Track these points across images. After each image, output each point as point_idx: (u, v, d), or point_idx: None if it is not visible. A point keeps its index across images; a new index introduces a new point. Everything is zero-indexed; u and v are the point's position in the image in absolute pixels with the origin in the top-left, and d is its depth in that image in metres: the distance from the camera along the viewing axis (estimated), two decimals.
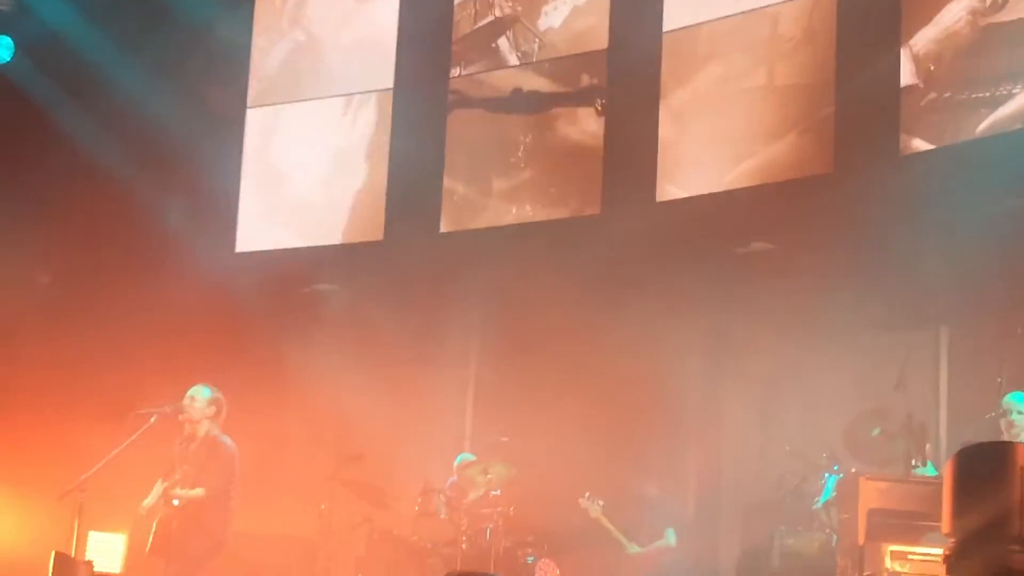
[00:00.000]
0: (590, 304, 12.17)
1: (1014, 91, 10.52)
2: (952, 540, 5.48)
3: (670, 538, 11.53)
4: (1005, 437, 8.99)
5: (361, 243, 14.06)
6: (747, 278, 12.27)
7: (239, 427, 10.52)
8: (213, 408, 10.28)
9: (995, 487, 5.38)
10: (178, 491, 10.05)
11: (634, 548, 11.68)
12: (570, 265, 12.33)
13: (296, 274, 14.23)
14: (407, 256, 13.50)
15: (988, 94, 10.69)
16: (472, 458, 12.22)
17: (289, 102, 14.78)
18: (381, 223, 13.94)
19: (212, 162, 14.57)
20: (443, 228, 13.71)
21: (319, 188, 14.49)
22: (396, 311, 13.20)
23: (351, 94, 14.41)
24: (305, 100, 14.70)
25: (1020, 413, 9.37)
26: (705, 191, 12.26)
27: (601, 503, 11.63)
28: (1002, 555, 5.33)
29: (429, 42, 14.10)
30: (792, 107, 11.86)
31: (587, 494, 11.65)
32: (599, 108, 12.98)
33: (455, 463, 12.20)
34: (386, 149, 14.05)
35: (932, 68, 10.99)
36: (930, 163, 10.89)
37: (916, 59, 11.08)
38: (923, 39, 11.07)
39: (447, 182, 13.74)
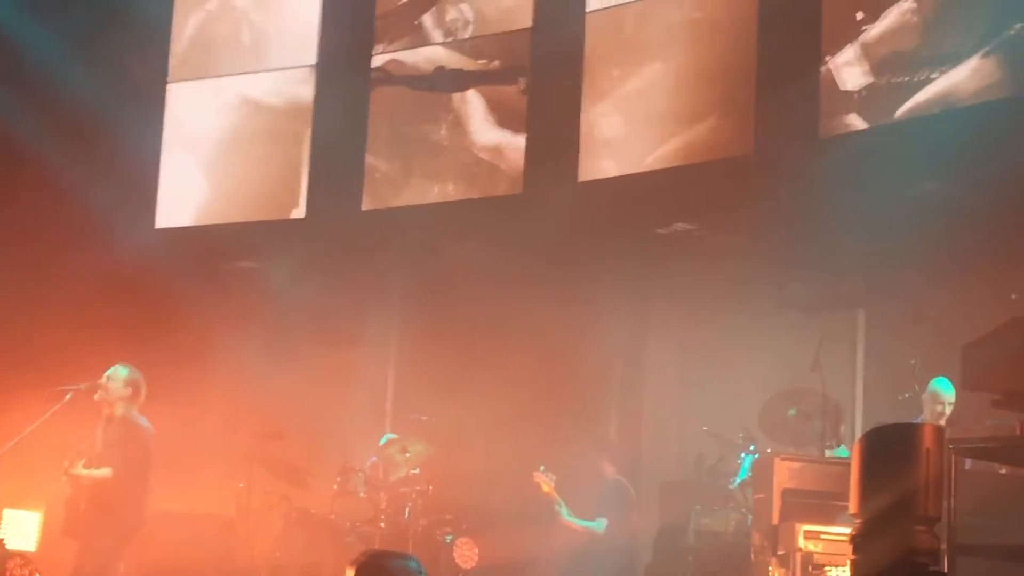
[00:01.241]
0: (512, 283, 12.17)
1: (932, 76, 10.61)
2: (859, 521, 5.53)
3: (600, 525, 11.52)
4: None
5: (282, 220, 13.98)
6: (668, 258, 12.34)
7: (159, 406, 10.44)
8: (130, 389, 10.18)
9: (901, 468, 5.43)
10: (80, 471, 9.95)
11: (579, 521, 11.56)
12: (492, 244, 12.35)
13: (217, 251, 14.15)
14: (328, 234, 13.45)
15: (907, 78, 10.77)
16: (393, 437, 12.21)
17: (211, 77, 14.66)
18: (303, 201, 13.88)
19: (132, 137, 14.42)
20: (365, 206, 13.66)
21: (240, 165, 14.40)
22: (318, 289, 13.15)
23: (275, 70, 14.31)
24: (227, 75, 14.58)
25: (951, 404, 9.46)
26: (627, 172, 12.30)
27: (554, 477, 11.50)
28: (908, 535, 5.39)
29: (353, 18, 14.02)
30: (714, 89, 11.90)
31: (542, 467, 11.52)
32: (522, 87, 12.97)
33: (380, 443, 12.19)
34: (309, 126, 13.97)
35: (852, 52, 11.06)
36: (849, 146, 10.95)
37: (836, 43, 11.15)
38: (843, 24, 11.13)
39: (369, 159, 13.69)
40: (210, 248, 14.08)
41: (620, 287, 12.25)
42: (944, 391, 9.50)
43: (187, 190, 14.57)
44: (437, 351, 13.38)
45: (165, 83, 14.82)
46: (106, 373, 10.19)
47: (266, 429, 12.08)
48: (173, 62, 14.86)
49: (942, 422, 9.21)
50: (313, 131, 13.94)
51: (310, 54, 14.10)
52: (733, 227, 11.64)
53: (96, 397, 10.13)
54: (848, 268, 11.20)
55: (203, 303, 13.40)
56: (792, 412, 10.55)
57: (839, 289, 11.66)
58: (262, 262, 14.01)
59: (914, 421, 9.00)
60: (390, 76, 13.78)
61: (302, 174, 13.94)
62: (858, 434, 10.88)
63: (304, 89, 14.08)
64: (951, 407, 9.48)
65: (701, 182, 11.87)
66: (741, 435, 10.63)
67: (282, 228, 13.89)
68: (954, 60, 10.50)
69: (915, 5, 10.79)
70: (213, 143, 14.56)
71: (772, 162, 11.28)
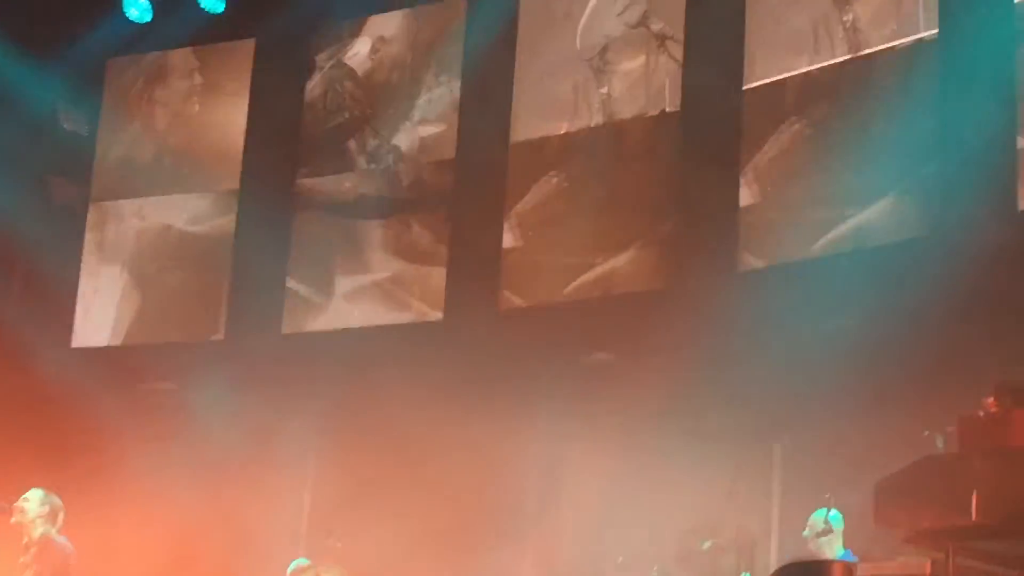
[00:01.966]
0: (432, 409, 12.16)
1: (847, 213, 10.85)
2: None
3: None
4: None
5: (201, 342, 13.93)
6: (588, 388, 12.38)
7: (74, 529, 10.29)
8: (47, 508, 10.01)
9: None
10: None
11: None
12: (412, 370, 12.36)
13: (135, 372, 14.03)
14: (247, 356, 13.41)
15: (823, 215, 11.00)
16: (306, 563, 12.08)
17: (133, 198, 14.66)
18: (222, 322, 13.85)
19: (51, 255, 14.34)
20: (285, 329, 13.66)
21: (160, 286, 14.35)
22: (236, 411, 13.07)
23: (197, 192, 14.34)
24: (149, 196, 14.58)
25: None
26: (547, 301, 12.41)
27: None
28: None
29: (277, 141, 14.12)
30: (633, 221, 12.08)
31: None
32: (444, 216, 13.10)
33: (288, 571, 12.06)
34: (230, 248, 13.98)
35: (769, 188, 11.30)
36: (766, 280, 11.15)
37: (755, 179, 11.38)
38: (762, 160, 11.38)
39: (291, 283, 13.71)
40: (128, 369, 13.97)
41: (540, 416, 12.28)
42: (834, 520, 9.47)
43: (106, 310, 14.48)
44: (355, 475, 13.29)
45: (87, 202, 14.79)
46: (22, 496, 10.05)
47: (178, 554, 11.91)
48: (96, 182, 14.84)
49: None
50: (235, 253, 13.94)
51: (234, 176, 14.15)
52: (651, 359, 11.71)
53: (13, 520, 9.98)
54: (765, 401, 11.29)
55: (121, 424, 13.27)
56: (707, 545, 10.56)
57: (755, 421, 11.74)
58: (181, 384, 13.91)
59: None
60: (313, 200, 13.86)
61: (222, 296, 13.93)
62: (772, 567, 10.92)
63: (226, 212, 14.10)
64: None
65: (622, 312, 12.00)
66: (655, 568, 10.61)
67: (200, 350, 13.84)
68: (868, 200, 10.75)
69: (831, 146, 11.06)
70: (133, 264, 14.51)
71: (691, 295, 11.44)
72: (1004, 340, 9.62)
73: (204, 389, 13.35)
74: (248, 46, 14.33)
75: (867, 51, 11.04)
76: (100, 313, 14.50)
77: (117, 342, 14.34)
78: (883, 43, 10.99)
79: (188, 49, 14.72)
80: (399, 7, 13.76)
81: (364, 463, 13.23)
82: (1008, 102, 9.97)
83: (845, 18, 11.20)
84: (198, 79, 14.61)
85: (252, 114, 14.18)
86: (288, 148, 14.02)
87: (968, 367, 9.47)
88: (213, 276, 14.05)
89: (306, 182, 13.90)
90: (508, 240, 12.68)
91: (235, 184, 14.13)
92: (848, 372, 10.20)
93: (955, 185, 10.16)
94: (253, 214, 13.93)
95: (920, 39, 10.73)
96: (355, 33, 13.98)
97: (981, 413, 7.00)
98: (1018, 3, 10.05)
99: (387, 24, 13.84)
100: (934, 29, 10.61)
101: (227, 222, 14.07)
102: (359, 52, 13.92)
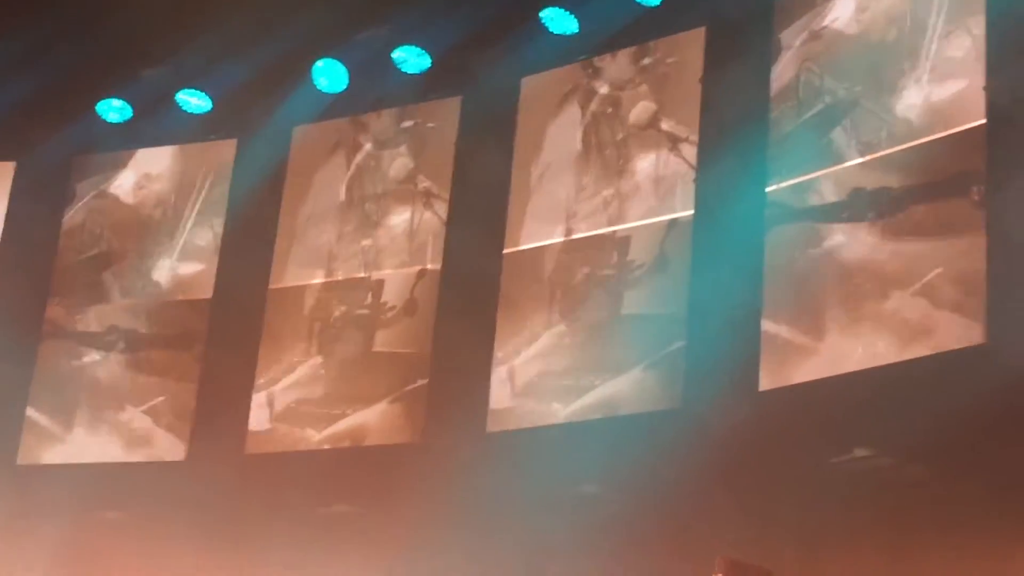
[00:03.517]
0: (172, 551, 11.94)
1: (596, 383, 11.10)
2: None
3: None
4: None
5: None
6: (328, 539, 12.29)
7: None
8: None
9: None
10: None
11: None
12: (153, 509, 12.15)
13: None
14: None
15: (572, 383, 11.23)
16: None
17: None
18: None
19: None
20: (20, 460, 13.26)
21: None
22: None
23: None
24: None
25: None
26: (292, 448, 12.35)
27: None
28: None
29: (28, 268, 13.82)
30: (387, 375, 12.15)
31: None
32: (197, 354, 12.97)
33: None
34: None
35: (520, 355, 11.51)
36: (513, 443, 11.28)
37: (507, 346, 11.59)
38: (515, 329, 11.60)
39: (30, 412, 13.35)
40: None
41: (280, 563, 12.13)
42: None
43: None
44: None
45: None
46: None
47: None
48: None
49: None
50: None
51: None
52: (396, 512, 11.71)
53: None
54: (503, 564, 11.34)
55: None
56: None
57: None
58: None
59: None
60: (61, 330, 13.58)
61: None
62: None
63: None
64: None
65: (367, 465, 12.00)
66: None
67: None
68: (617, 371, 11.03)
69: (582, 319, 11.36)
70: None
71: (439, 451, 11.51)
72: (739, 517, 9.91)
73: None
74: (7, 169, 14.07)
75: (624, 226, 11.38)
76: None
77: None
78: (639, 220, 11.34)
79: None
80: (168, 143, 13.71)
81: None
82: (756, 284, 10.36)
83: (605, 193, 11.56)
84: None
85: (5, 238, 13.88)
86: (40, 275, 13.75)
87: (703, 542, 9.72)
88: None
89: (56, 311, 13.63)
90: (258, 387, 12.60)
91: None
92: (591, 538, 10.36)
93: (702, 362, 10.48)
94: None
95: (675, 219, 11.12)
96: (121, 165, 13.85)
97: None
98: (769, 191, 10.51)
99: (154, 159, 13.76)
100: (690, 210, 11.01)
101: None
102: (123, 184, 13.80)
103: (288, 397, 12.50)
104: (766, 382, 10.10)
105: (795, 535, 9.88)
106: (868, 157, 9.98)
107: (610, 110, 11.77)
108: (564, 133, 12.00)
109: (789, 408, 9.94)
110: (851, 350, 9.73)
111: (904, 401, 9.31)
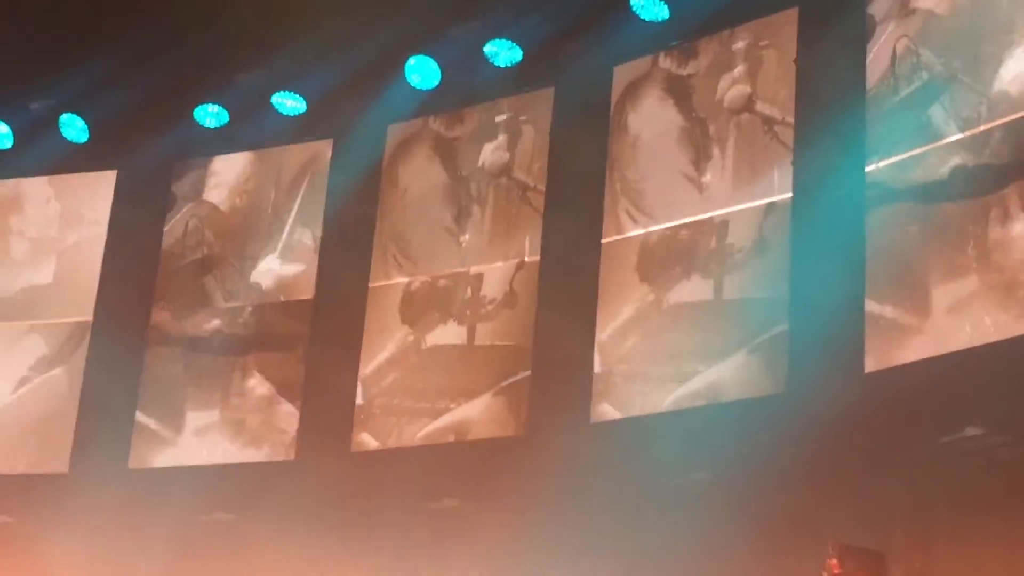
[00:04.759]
0: (282, 550, 12.04)
1: (699, 369, 11.05)
2: None
3: None
4: None
5: (43, 475, 13.63)
6: (436, 534, 12.34)
7: None
8: None
9: None
10: None
11: None
12: (262, 509, 12.26)
13: None
14: (92, 491, 13.14)
15: (674, 370, 11.18)
16: None
17: None
18: (67, 456, 13.58)
19: None
20: (131, 464, 13.44)
21: (5, 416, 14.05)
22: (77, 547, 12.78)
23: (47, 322, 14.14)
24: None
25: None
26: (397, 445, 12.42)
27: None
28: None
29: (134, 273, 14.02)
30: (490, 368, 12.17)
31: None
32: (300, 355, 13.08)
33: None
34: (79, 381, 13.76)
35: (622, 344, 11.47)
36: (618, 432, 11.27)
37: (608, 335, 11.56)
38: (615, 318, 11.56)
39: (140, 417, 13.53)
40: None
41: (389, 559, 12.20)
42: None
43: None
44: None
45: None
46: None
47: None
48: None
49: None
50: (84, 386, 13.71)
51: (87, 309, 13.97)
52: (502, 506, 11.73)
53: None
54: (612, 555, 11.33)
55: None
56: None
57: (602, 574, 11.78)
58: (19, 517, 13.59)
59: None
60: (166, 335, 13.75)
61: (69, 429, 13.64)
62: None
63: (78, 344, 13.89)
64: None
65: (472, 459, 12.03)
66: None
67: (43, 483, 13.54)
68: (720, 356, 10.96)
69: (677, 304, 11.29)
70: None
71: (543, 443, 11.50)
72: (849, 501, 9.81)
73: (46, 523, 13.07)
74: (109, 177, 14.27)
75: (721, 211, 11.31)
76: None
77: None
78: (737, 204, 11.26)
79: (43, 178, 14.61)
80: (265, 146, 13.83)
81: None
82: (858, 266, 10.25)
83: (703, 179, 11.50)
84: (55, 207, 14.48)
85: (109, 246, 14.07)
86: (144, 281, 13.92)
87: (814, 527, 9.63)
88: (60, 408, 13.79)
89: (161, 316, 13.79)
90: (362, 383, 12.68)
91: (88, 315, 13.94)
92: (700, 526, 10.31)
93: (805, 345, 10.39)
94: (104, 347, 13.76)
95: (773, 202, 11.02)
96: (219, 169, 14.01)
97: (825, 575, 7.13)
98: (868, 171, 10.39)
99: (252, 162, 13.90)
100: (788, 193, 10.92)
101: (78, 354, 13.85)
102: (222, 188, 13.94)
103: (391, 394, 12.56)
104: (871, 363, 9.99)
105: (906, 517, 9.77)
106: (968, 133, 9.83)
107: (704, 95, 11.69)
108: (658, 120, 11.94)
109: (896, 389, 9.82)
110: (958, 328, 9.60)
111: (1015, 378, 9.16)
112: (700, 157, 11.60)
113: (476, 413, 12.16)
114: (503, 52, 12.68)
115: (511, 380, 12.03)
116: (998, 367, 9.32)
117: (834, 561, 7.07)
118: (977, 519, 9.52)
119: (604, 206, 11.99)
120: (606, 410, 11.42)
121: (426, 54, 12.93)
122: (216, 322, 13.56)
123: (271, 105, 13.60)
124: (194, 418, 13.38)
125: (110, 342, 13.74)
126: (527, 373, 11.93)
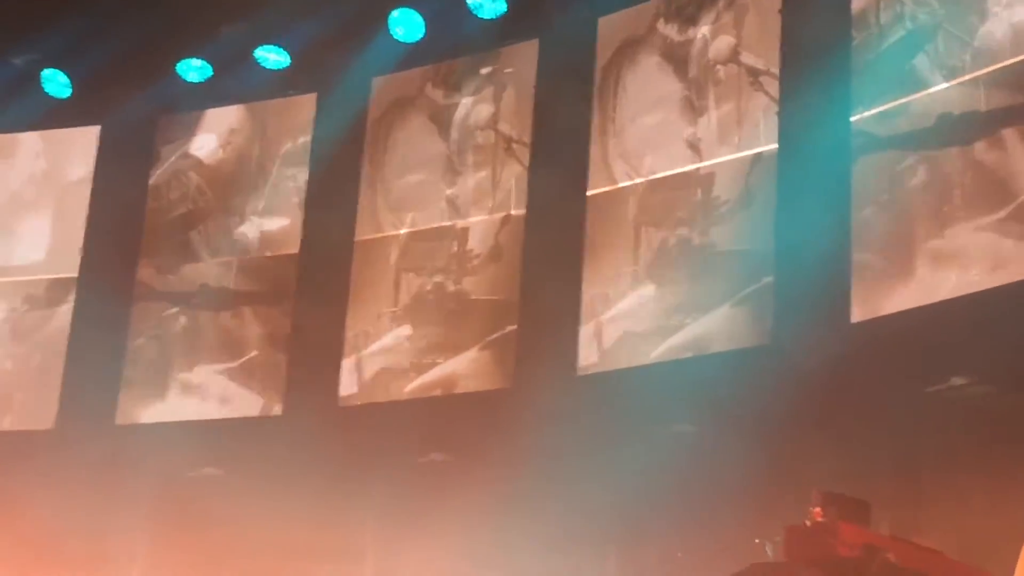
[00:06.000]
0: (267, 506, 12.03)
1: (686, 321, 11.03)
2: None
3: None
4: None
5: (28, 431, 13.61)
6: (423, 489, 12.35)
7: None
8: None
9: None
10: None
11: None
12: (250, 465, 12.25)
13: None
14: (79, 447, 13.12)
15: (661, 323, 11.17)
16: None
17: None
18: (53, 412, 13.56)
19: None
20: (118, 420, 13.43)
21: None
22: (64, 504, 12.76)
23: (31, 278, 14.10)
24: None
25: None
26: (385, 399, 12.40)
27: None
28: None
29: (119, 229, 13.96)
30: (476, 322, 12.15)
31: None
32: (286, 309, 13.05)
33: None
34: (65, 337, 13.73)
35: (608, 297, 11.45)
36: (605, 385, 11.26)
37: (594, 288, 11.54)
38: (601, 271, 11.54)
39: (126, 373, 13.50)
40: None
41: (374, 513, 12.21)
42: None
43: None
44: (187, 569, 13.06)
45: None
46: None
47: None
48: None
49: None
50: (70, 342, 13.68)
51: (72, 264, 13.93)
52: (489, 460, 11.72)
53: None
54: (598, 507, 11.33)
55: None
56: None
57: (589, 528, 11.78)
58: (3, 474, 13.55)
59: None
60: (153, 290, 13.71)
61: (55, 385, 13.63)
62: None
63: (63, 299, 13.85)
64: None
65: (460, 413, 12.03)
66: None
67: (28, 439, 13.52)
68: (706, 308, 10.94)
69: (670, 256, 11.27)
70: None
71: (529, 396, 11.49)
72: (834, 451, 9.82)
73: (30, 479, 13.05)
74: (92, 132, 14.19)
75: (708, 163, 11.27)
76: None
77: None
78: (724, 156, 11.22)
79: (35, 133, 14.54)
80: (249, 100, 13.76)
81: (192, 560, 13.01)
82: (843, 216, 10.23)
83: (688, 131, 11.45)
84: (42, 163, 14.42)
85: (93, 203, 14.01)
86: (129, 237, 13.87)
87: (801, 477, 9.62)
88: (44, 364, 13.76)
89: (146, 271, 13.75)
90: (349, 335, 12.66)
91: (74, 272, 13.89)
92: (684, 478, 10.32)
93: (791, 296, 10.37)
94: (90, 303, 13.72)
95: (759, 153, 10.99)
96: (203, 124, 13.95)
97: (808, 523, 7.12)
98: (853, 120, 10.35)
99: (235, 117, 13.84)
100: (773, 144, 10.88)
101: (63, 309, 13.82)
102: (206, 143, 13.88)
103: (378, 348, 12.55)
104: (858, 313, 9.99)
105: (891, 466, 9.79)
106: (953, 82, 9.79)
107: (688, 47, 11.63)
108: (643, 72, 11.88)
109: (882, 339, 9.82)
110: (944, 277, 9.59)
111: (1001, 327, 9.14)
112: (686, 109, 11.55)
113: (463, 367, 12.16)
114: (487, 4, 12.61)
115: (498, 334, 12.02)
116: (984, 317, 9.31)
117: (817, 509, 7.05)
118: (962, 468, 9.54)
119: (590, 159, 11.94)
120: (593, 363, 11.41)
121: (410, 6, 12.86)
122: (202, 277, 13.52)
123: (254, 59, 13.52)
124: (181, 374, 13.36)
125: (96, 298, 13.69)
126: (514, 327, 11.92)
